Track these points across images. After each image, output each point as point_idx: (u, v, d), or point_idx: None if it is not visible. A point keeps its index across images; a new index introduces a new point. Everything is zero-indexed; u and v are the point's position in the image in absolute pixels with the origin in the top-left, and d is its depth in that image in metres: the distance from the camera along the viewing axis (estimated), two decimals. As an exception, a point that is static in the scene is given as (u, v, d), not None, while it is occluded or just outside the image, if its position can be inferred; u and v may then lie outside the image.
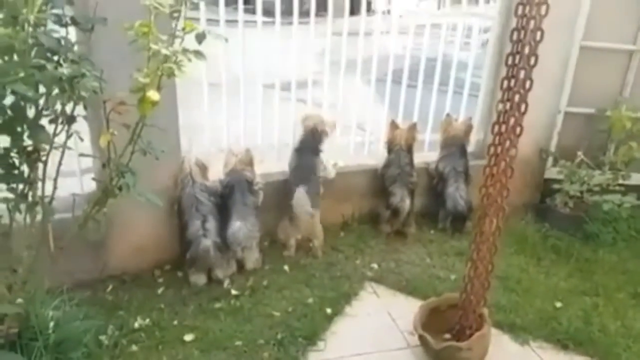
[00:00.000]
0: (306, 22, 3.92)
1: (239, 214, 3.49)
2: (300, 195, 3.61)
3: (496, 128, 2.43)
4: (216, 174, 3.67)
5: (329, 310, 3.18)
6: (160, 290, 3.34)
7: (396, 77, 4.31)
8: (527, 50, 2.23)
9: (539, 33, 2.19)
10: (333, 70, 4.08)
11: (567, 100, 4.45)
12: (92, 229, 3.07)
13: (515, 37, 2.31)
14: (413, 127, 4.13)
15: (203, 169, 3.51)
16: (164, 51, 2.22)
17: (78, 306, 3.06)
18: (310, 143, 3.85)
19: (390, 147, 4.12)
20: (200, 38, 2.29)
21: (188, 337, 2.91)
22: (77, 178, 3.30)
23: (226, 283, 3.41)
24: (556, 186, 4.44)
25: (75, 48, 2.32)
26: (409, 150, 4.10)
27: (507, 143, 2.39)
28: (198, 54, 2.27)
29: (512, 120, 2.35)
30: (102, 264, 3.36)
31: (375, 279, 3.56)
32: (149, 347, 2.83)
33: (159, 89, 2.31)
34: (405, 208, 3.98)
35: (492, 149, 2.49)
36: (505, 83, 2.36)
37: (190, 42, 2.33)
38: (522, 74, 2.27)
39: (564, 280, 3.68)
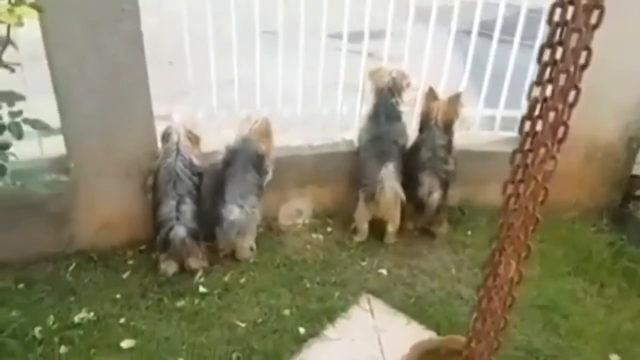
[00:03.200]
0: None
1: (236, 189, 2.87)
2: (389, 173, 2.95)
3: (526, 125, 1.53)
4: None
5: (302, 330, 2.50)
6: (125, 275, 2.84)
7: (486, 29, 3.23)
8: None
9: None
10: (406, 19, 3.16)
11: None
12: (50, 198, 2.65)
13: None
14: (456, 99, 3.13)
15: (194, 141, 2.89)
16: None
17: (28, 287, 2.68)
18: (388, 105, 3.11)
19: (424, 122, 3.18)
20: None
21: (127, 344, 2.39)
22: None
23: (198, 275, 2.84)
24: (645, 188, 3.34)
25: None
26: (448, 128, 3.15)
27: (542, 151, 1.50)
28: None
29: (551, 116, 1.45)
30: (68, 237, 2.92)
31: (376, 291, 2.80)
32: (79, 351, 2.35)
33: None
34: (434, 203, 3.11)
35: (518, 158, 1.60)
36: (547, 53, 1.44)
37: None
38: (573, 38, 1.34)
39: (630, 321, 2.69)
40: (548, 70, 1.44)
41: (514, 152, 1.60)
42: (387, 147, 3.07)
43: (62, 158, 2.79)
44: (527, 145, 1.56)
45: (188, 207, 2.79)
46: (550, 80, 1.45)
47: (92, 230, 2.94)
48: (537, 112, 1.51)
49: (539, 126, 1.52)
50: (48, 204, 2.79)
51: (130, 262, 2.95)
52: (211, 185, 3.02)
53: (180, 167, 2.79)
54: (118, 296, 2.68)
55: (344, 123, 3.42)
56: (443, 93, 3.25)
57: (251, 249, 2.99)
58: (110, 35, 2.53)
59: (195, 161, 2.88)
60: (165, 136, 2.85)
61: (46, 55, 2.50)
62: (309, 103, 3.31)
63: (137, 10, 2.53)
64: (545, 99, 1.48)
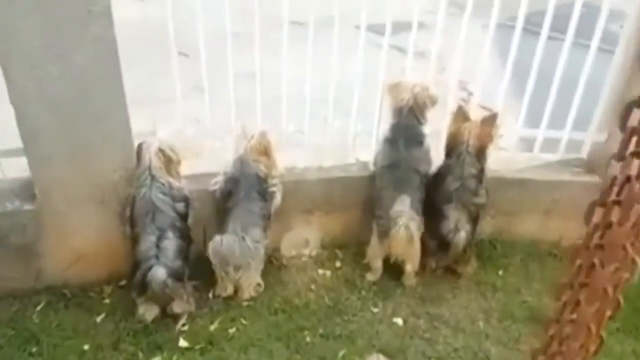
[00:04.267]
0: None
1: (239, 221, 2.45)
2: (405, 208, 2.47)
3: (596, 214, 1.05)
4: (191, 167, 2.61)
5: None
6: (99, 318, 2.44)
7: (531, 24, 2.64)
8: None
9: None
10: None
11: None
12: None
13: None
14: (491, 121, 2.60)
15: (168, 160, 2.44)
16: None
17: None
18: (408, 127, 2.60)
19: (452, 147, 2.66)
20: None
21: (87, 416, 2.01)
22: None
23: (181, 322, 2.42)
24: None
25: None
26: (480, 155, 2.63)
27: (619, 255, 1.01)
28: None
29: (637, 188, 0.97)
30: (36, 272, 2.53)
31: (389, 350, 2.33)
32: None
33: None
34: (460, 242, 2.60)
35: (582, 256, 1.12)
36: None
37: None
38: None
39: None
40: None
41: (575, 251, 1.11)
42: (405, 176, 2.58)
43: (27, 183, 2.39)
44: (595, 240, 1.08)
45: (170, 243, 2.36)
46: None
47: (64, 264, 2.54)
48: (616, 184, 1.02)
49: (614, 215, 1.03)
50: (10, 235, 2.41)
51: (107, 300, 2.55)
52: (208, 216, 2.61)
53: (158, 197, 2.35)
54: (86, 347, 2.29)
55: (358, 141, 2.93)
56: (475, 109, 2.74)
57: (258, 285, 2.57)
58: (76, 42, 2.10)
59: (176, 184, 2.44)
60: (138, 156, 2.41)
61: (0, 66, 2.08)
62: (317, 115, 2.83)
63: (109, 12, 2.08)
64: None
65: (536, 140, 2.93)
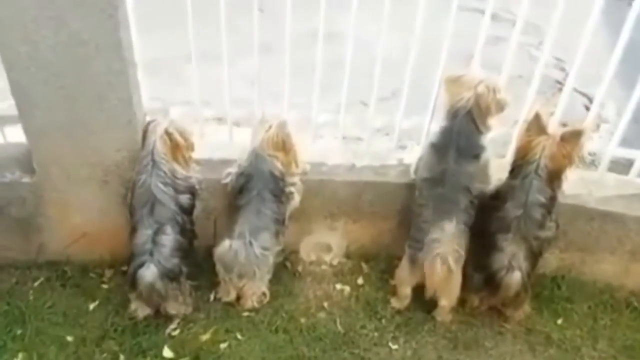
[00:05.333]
0: None
1: (248, 224, 2.13)
2: (446, 238, 2.02)
3: None
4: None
5: None
6: (92, 306, 2.26)
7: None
8: None
9: None
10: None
11: None
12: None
13: None
14: (575, 137, 1.98)
15: (175, 146, 2.13)
16: None
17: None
18: (463, 134, 2.05)
19: (519, 164, 2.08)
20: None
21: None
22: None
23: (172, 326, 2.18)
24: None
25: None
26: (555, 178, 2.06)
27: None
28: None
29: None
30: (37, 245, 2.39)
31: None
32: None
33: None
34: (514, 283, 2.08)
35: None
36: None
37: None
38: None
39: None
40: None
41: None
42: (451, 195, 2.08)
43: (28, 152, 2.20)
44: None
45: (168, 239, 2.08)
46: None
47: (66, 241, 2.36)
48: None
49: None
50: (10, 206, 2.26)
51: (105, 285, 2.35)
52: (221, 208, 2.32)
53: (159, 186, 2.05)
54: (70, 339, 2.11)
55: (403, 139, 2.46)
56: (555, 120, 2.15)
57: (263, 294, 2.27)
58: (71, 4, 1.79)
59: (182, 173, 2.13)
60: (143, 137, 2.12)
61: (-8, 26, 1.84)
62: (354, 103, 2.37)
63: (108, -28, 1.75)
64: None
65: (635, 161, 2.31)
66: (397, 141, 2.41)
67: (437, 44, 2.13)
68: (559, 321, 2.29)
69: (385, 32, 2.11)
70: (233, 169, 2.22)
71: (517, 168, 2.11)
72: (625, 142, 2.28)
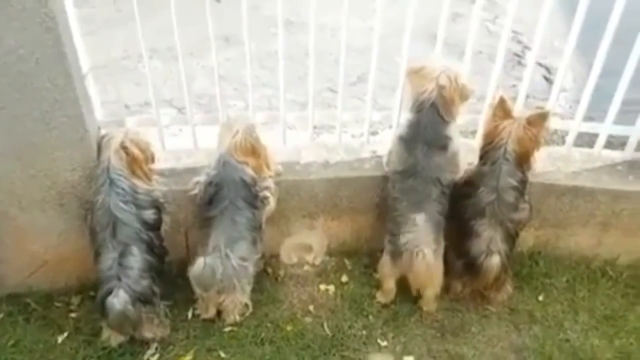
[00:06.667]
0: None
1: (222, 235, 2.00)
2: (420, 231, 1.98)
3: None
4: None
5: None
6: (61, 338, 2.09)
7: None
8: None
9: None
10: None
11: None
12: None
13: None
14: (540, 120, 1.98)
15: (133, 158, 1.95)
16: None
17: None
18: (429, 127, 2.00)
19: (488, 150, 2.07)
20: None
21: None
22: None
23: (150, 352, 2.04)
24: None
25: None
26: (523, 161, 2.05)
27: None
28: None
29: None
30: (-6, 279, 2.21)
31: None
32: None
33: None
34: (493, 267, 2.08)
35: None
36: None
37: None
38: None
39: None
40: None
41: None
42: (422, 187, 2.02)
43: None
44: None
45: (136, 260, 1.93)
46: None
47: (26, 270, 2.18)
48: None
49: None
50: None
51: (74, 314, 2.19)
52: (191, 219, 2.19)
53: (118, 205, 1.90)
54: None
55: (374, 131, 2.40)
56: (518, 105, 2.14)
57: (246, 306, 2.15)
58: (5, 20, 1.62)
59: (144, 188, 1.98)
60: (98, 152, 1.96)
61: None
62: (323, 90, 2.28)
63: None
64: None
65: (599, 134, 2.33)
66: (368, 127, 2.33)
67: (399, 25, 2.07)
68: (540, 297, 2.30)
69: (346, 18, 2.03)
70: (201, 178, 2.09)
71: (486, 154, 2.09)
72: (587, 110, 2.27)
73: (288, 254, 2.43)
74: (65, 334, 2.10)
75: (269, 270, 2.35)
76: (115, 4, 2.64)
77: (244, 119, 2.05)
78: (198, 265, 1.95)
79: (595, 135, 2.35)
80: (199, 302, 2.12)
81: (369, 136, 2.35)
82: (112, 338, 2.01)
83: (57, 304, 2.22)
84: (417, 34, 2.13)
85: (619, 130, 2.28)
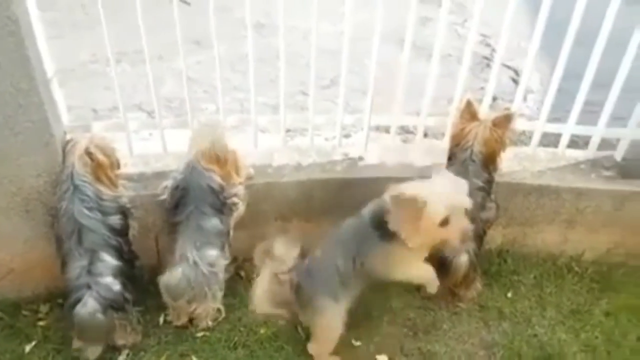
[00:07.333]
0: None
1: (190, 242, 1.98)
2: None
3: None
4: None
5: None
6: (29, 347, 2.05)
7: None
8: None
9: None
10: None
11: None
12: None
13: None
14: (505, 121, 2.03)
15: (97, 164, 1.91)
16: None
17: None
18: None
19: (454, 149, 2.13)
20: None
21: None
22: None
23: (121, 358, 2.00)
24: None
25: None
26: (489, 162, 2.10)
27: None
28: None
29: None
30: (-41, 289, 2.14)
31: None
32: None
33: None
34: (462, 265, 2.12)
35: None
36: None
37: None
38: None
39: None
40: None
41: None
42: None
43: None
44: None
45: (105, 266, 1.90)
46: None
47: (-9, 279, 2.14)
48: None
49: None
50: None
51: (42, 323, 2.14)
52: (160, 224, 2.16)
53: (83, 212, 1.86)
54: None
55: (346, 134, 2.42)
56: (485, 107, 2.19)
57: (218, 311, 2.13)
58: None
59: (108, 194, 1.95)
60: (63, 158, 1.93)
61: None
62: (295, 94, 2.29)
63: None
64: None
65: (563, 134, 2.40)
66: (340, 129, 2.34)
67: (370, 29, 2.09)
68: (509, 294, 2.34)
69: (316, 22, 2.04)
70: (169, 182, 2.07)
71: (454, 155, 2.12)
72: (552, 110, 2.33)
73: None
74: (34, 343, 2.05)
75: (242, 273, 2.33)
76: (83, 8, 2.59)
77: (215, 124, 2.03)
78: (167, 276, 1.93)
79: (560, 136, 2.40)
80: (170, 310, 2.09)
81: (341, 139, 2.35)
82: (90, 351, 1.96)
83: (24, 313, 2.15)
84: (388, 38, 2.15)
85: (582, 130, 2.35)
